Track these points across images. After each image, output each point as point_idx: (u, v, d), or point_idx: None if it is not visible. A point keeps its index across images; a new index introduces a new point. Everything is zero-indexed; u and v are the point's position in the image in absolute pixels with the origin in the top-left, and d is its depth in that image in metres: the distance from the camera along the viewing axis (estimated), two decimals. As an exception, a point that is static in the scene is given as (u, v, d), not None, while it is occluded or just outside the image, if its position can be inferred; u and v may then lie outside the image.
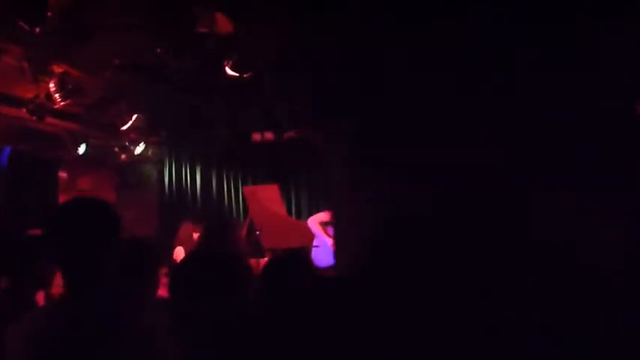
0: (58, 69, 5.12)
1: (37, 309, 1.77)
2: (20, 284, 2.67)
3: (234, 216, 8.12)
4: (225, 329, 1.60)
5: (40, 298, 2.78)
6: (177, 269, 2.07)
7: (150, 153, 8.11)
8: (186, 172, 8.32)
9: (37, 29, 3.80)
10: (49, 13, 3.79)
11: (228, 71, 4.85)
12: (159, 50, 4.59)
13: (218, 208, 8.17)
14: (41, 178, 4.96)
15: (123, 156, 7.83)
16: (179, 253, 5.90)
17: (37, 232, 2.13)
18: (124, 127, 6.49)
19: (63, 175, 7.11)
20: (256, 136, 7.51)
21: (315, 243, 5.71)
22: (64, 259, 1.70)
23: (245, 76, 4.82)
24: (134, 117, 6.46)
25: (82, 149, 6.98)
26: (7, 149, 4.63)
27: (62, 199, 6.04)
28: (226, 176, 8.37)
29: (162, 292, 3.02)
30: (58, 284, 2.76)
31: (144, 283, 2.59)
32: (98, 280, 1.71)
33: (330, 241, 5.39)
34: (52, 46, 4.47)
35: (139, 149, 7.69)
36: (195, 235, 6.44)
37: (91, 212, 1.74)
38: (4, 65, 4.85)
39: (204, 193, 8.27)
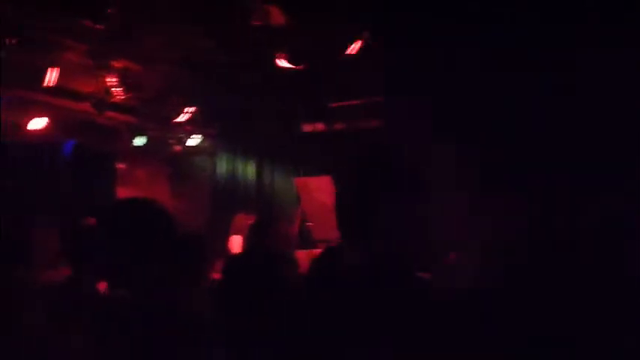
0: (117, 64, 5.28)
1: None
2: (83, 273, 2.76)
3: (286, 208, 8.17)
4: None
5: (102, 287, 2.88)
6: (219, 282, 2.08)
7: (204, 145, 8.25)
8: (239, 164, 8.42)
9: (100, 26, 3.94)
10: (109, 10, 3.92)
11: (282, 63, 4.89)
12: (214, 44, 4.66)
13: (269, 201, 8.24)
14: (102, 169, 5.11)
15: (177, 148, 8.00)
16: (234, 243, 5.99)
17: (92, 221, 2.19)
18: (180, 120, 6.63)
19: (121, 166, 7.33)
20: (308, 128, 7.53)
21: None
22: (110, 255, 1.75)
23: (299, 67, 4.85)
24: (189, 110, 6.58)
25: (138, 141, 7.17)
26: (71, 142, 4.80)
27: (120, 190, 6.22)
28: (278, 168, 8.43)
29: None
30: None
31: (194, 278, 2.66)
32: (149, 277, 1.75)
33: None
34: (112, 41, 4.61)
35: (193, 141, 7.84)
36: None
37: (141, 215, 1.78)
38: (67, 61, 5.02)
39: (256, 184, 8.35)
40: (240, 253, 3.75)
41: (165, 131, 7.56)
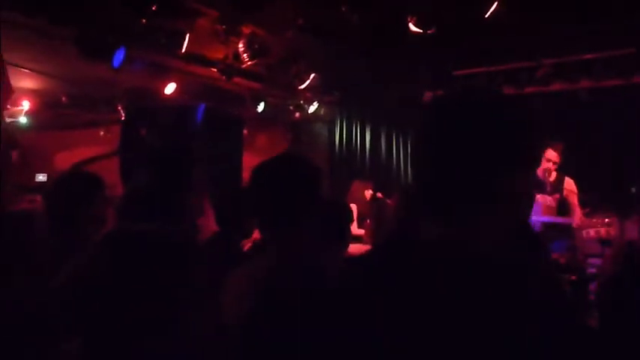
0: (246, 30, 5.35)
1: (253, 259, 1.80)
2: (229, 234, 2.84)
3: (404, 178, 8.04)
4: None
5: (246, 246, 2.96)
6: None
7: (322, 112, 8.28)
8: (356, 132, 8.38)
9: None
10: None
11: (412, 27, 4.70)
12: (343, 8, 4.56)
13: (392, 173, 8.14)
14: (231, 133, 5.25)
15: (297, 114, 8.09)
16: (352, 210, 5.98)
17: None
18: (302, 87, 6.65)
19: (245, 132, 7.55)
20: (428, 95, 7.29)
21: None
22: (266, 215, 1.73)
23: (429, 32, 4.64)
24: (311, 76, 6.58)
25: (260, 107, 7.32)
26: (202, 106, 4.95)
27: (245, 155, 6.40)
28: (395, 136, 8.28)
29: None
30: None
31: (340, 240, 2.63)
32: (301, 236, 1.73)
33: None
34: (242, 7, 4.65)
35: (313, 108, 7.89)
36: (367, 193, 6.51)
37: (292, 169, 1.75)
38: (200, 27, 5.15)
39: (373, 152, 8.28)
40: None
41: (286, 98, 7.65)
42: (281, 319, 1.48)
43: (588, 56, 5.78)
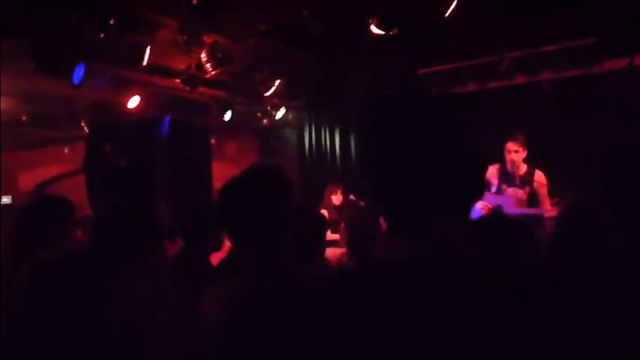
0: (208, 39, 5.30)
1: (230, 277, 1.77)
2: (196, 248, 2.79)
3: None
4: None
5: (214, 260, 2.91)
6: None
7: (290, 117, 8.26)
8: (325, 135, 8.36)
9: (193, 1, 3.91)
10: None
11: (373, 29, 4.71)
12: (305, 13, 4.55)
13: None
14: (197, 144, 5.18)
15: (265, 121, 8.05)
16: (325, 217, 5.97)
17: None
18: (268, 93, 6.62)
19: (212, 141, 7.47)
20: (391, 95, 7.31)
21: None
22: (237, 228, 1.70)
23: (391, 33, 4.66)
24: (277, 82, 6.56)
25: (227, 116, 7.25)
26: (167, 118, 4.88)
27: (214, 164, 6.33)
28: (362, 139, 8.30)
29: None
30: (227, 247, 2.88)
31: (314, 249, 2.60)
32: (276, 248, 1.70)
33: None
34: (203, 16, 4.59)
35: (280, 114, 7.85)
36: (336, 198, 6.50)
37: (262, 182, 1.72)
38: (161, 39, 5.08)
39: (343, 155, 8.28)
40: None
41: (253, 105, 7.60)
42: (260, 332, 1.46)
43: (549, 48, 5.87)
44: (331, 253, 3.71)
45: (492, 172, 5.05)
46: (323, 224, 2.79)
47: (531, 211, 4.82)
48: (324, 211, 6.19)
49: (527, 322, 0.79)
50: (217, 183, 1.79)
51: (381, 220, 0.98)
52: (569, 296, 0.83)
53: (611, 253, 1.57)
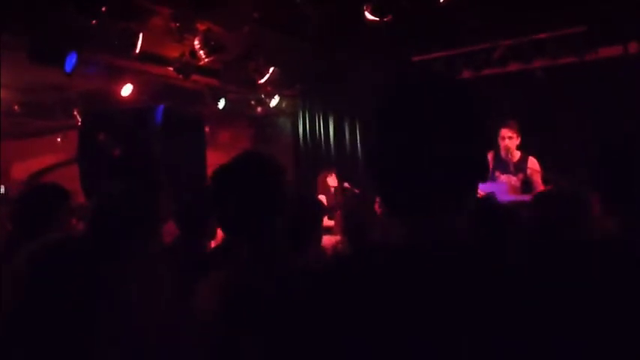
0: (201, 27, 5.26)
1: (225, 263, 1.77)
2: (191, 236, 2.79)
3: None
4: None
5: (209, 248, 2.91)
6: None
7: (284, 105, 8.24)
8: (319, 123, 8.35)
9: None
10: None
11: (368, 16, 4.70)
12: (299, 0, 4.53)
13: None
14: (191, 132, 5.17)
15: (259, 109, 8.03)
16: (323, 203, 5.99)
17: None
18: (261, 81, 6.59)
19: (206, 129, 7.44)
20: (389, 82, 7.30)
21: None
22: (228, 216, 1.69)
23: (385, 20, 4.64)
24: (271, 70, 6.53)
25: (221, 104, 7.23)
26: (161, 106, 4.85)
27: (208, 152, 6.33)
28: (359, 126, 8.30)
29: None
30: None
31: (310, 237, 2.60)
32: (270, 237, 1.69)
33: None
34: (197, 3, 4.57)
35: (274, 102, 7.83)
36: (331, 181, 6.52)
37: (254, 169, 1.71)
38: (154, 26, 5.05)
39: (337, 143, 8.27)
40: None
41: (247, 93, 7.58)
42: (251, 322, 1.46)
43: (542, 36, 5.87)
44: (327, 240, 3.71)
45: None
46: (321, 209, 2.79)
47: (525, 197, 4.84)
48: (322, 197, 6.20)
49: (516, 308, 0.80)
50: (211, 171, 1.77)
51: (376, 207, 0.98)
52: (549, 282, 0.83)
53: (596, 240, 1.57)
